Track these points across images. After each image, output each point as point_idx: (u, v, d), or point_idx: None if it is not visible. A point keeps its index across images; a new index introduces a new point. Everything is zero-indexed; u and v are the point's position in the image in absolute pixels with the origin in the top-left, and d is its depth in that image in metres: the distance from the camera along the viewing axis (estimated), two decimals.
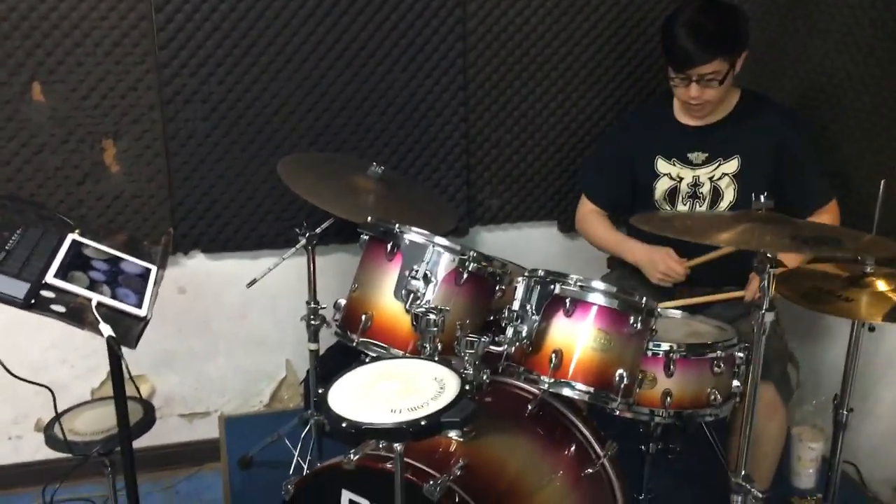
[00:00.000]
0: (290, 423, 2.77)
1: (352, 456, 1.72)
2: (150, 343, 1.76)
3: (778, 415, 2.32)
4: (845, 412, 2.09)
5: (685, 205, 2.56)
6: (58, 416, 1.97)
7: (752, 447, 1.89)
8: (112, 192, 2.73)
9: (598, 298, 1.87)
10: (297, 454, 2.63)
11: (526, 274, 1.96)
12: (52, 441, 2.20)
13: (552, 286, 1.88)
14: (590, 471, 1.98)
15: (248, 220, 2.87)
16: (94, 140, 2.67)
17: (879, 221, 1.93)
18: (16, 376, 1.65)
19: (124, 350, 1.57)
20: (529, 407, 2.05)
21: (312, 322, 2.48)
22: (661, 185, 2.59)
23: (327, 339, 2.63)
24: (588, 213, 2.75)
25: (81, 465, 2.30)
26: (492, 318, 2.15)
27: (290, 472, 2.60)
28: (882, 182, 1.89)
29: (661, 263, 2.45)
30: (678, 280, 2.46)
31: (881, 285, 1.94)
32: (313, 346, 2.52)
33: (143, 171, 2.74)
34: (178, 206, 2.79)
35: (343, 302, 2.13)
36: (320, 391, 1.50)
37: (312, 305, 2.47)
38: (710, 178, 2.53)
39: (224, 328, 3.03)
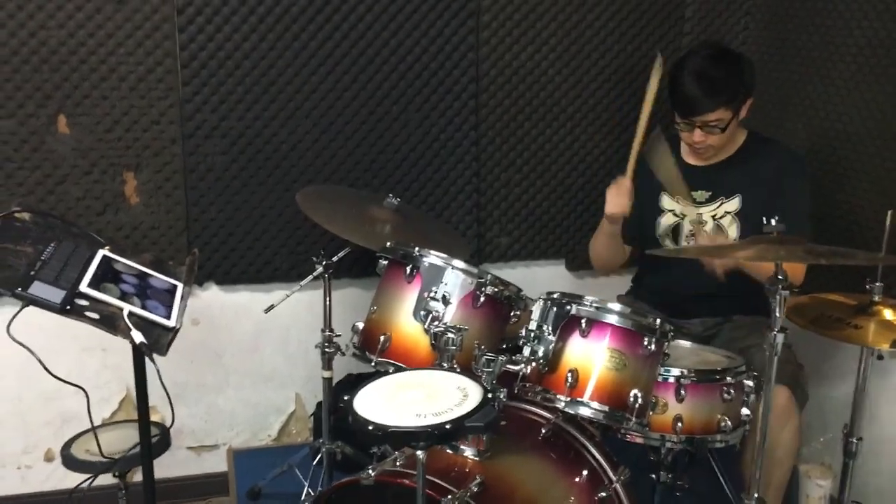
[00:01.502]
0: (300, 453, 2.78)
1: (370, 471, 1.75)
2: (162, 378, 1.79)
3: (791, 421, 2.33)
4: (855, 440, 2.12)
5: (688, 242, 2.62)
6: (83, 434, 2.00)
7: (765, 457, 1.93)
8: (131, 222, 2.79)
9: (613, 319, 1.92)
10: (307, 485, 2.64)
11: (543, 296, 2.01)
12: (68, 461, 2.22)
13: (568, 307, 1.94)
14: (603, 494, 1.99)
15: (262, 252, 2.93)
16: (115, 172, 2.74)
17: (887, 250, 1.98)
18: (55, 376, 1.70)
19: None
20: (543, 431, 2.08)
21: (327, 349, 2.51)
22: (665, 221, 2.65)
23: (336, 374, 2.68)
24: None
25: (93, 494, 2.30)
26: (505, 346, 2.20)
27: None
28: (889, 212, 1.95)
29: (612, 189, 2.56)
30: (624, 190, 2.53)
31: (888, 314, 2.00)
32: (327, 374, 2.55)
33: (162, 203, 2.80)
34: (195, 238, 2.85)
35: (361, 325, 2.18)
36: (346, 398, 1.53)
37: (327, 333, 2.50)
38: (713, 217, 2.59)
39: (235, 361, 3.06)
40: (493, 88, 2.99)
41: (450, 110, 2.95)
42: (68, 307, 1.56)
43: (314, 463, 2.68)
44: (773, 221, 1.83)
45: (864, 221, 2.65)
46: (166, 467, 2.99)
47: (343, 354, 2.41)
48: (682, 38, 3.11)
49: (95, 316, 1.58)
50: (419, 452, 1.49)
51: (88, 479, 2.15)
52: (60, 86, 2.62)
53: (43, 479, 2.92)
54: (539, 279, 3.22)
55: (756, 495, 1.90)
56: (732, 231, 2.58)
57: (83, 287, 1.62)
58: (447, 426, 1.42)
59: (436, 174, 3.00)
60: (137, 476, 2.06)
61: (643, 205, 2.68)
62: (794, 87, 2.92)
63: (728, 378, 2.11)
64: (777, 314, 1.78)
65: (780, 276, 1.75)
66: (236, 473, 3.02)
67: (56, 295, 1.55)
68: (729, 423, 2.10)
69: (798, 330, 2.09)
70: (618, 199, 2.54)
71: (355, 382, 2.16)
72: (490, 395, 1.52)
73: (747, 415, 2.14)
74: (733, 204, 2.58)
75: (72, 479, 2.32)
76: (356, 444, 2.59)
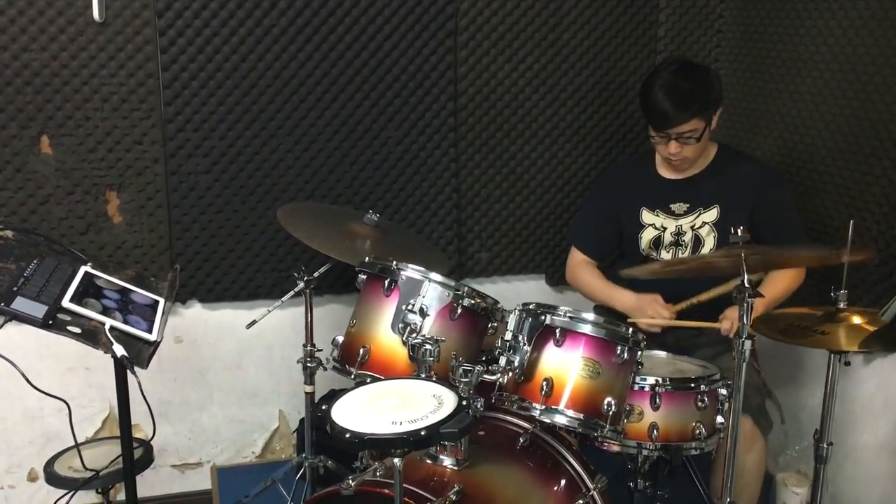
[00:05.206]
0: (283, 469, 2.80)
1: (350, 482, 1.78)
2: (145, 393, 1.82)
3: (757, 446, 2.38)
4: (825, 446, 2.16)
5: (668, 252, 2.67)
6: (66, 451, 2.01)
7: (734, 477, 1.96)
8: (114, 242, 2.81)
9: (587, 328, 1.97)
10: (290, 500, 2.65)
11: (518, 307, 2.05)
12: (51, 478, 2.23)
13: (543, 317, 1.97)
14: (580, 502, 2.03)
15: (245, 270, 2.96)
16: (98, 191, 2.77)
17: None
18: (36, 388, 1.71)
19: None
20: (521, 440, 2.11)
21: (308, 364, 2.54)
22: (647, 235, 2.70)
23: (321, 390, 2.70)
24: (577, 264, 2.83)
25: None
26: (484, 358, 2.23)
27: None
28: (851, 222, 2.00)
29: (648, 308, 2.52)
30: (664, 324, 2.52)
31: (855, 319, 2.04)
32: (309, 389, 2.58)
33: (145, 223, 2.83)
34: (178, 256, 2.87)
35: (341, 339, 2.21)
36: (324, 407, 1.56)
37: (309, 347, 2.53)
38: (692, 227, 2.65)
39: (219, 378, 3.08)
40: (471, 106, 3.04)
41: (429, 128, 3.00)
42: (50, 322, 1.59)
43: (297, 478, 2.70)
44: (738, 231, 1.88)
45: (831, 230, 2.72)
46: (150, 485, 3.00)
47: (325, 369, 2.43)
48: (656, 56, 3.17)
49: (77, 330, 1.61)
50: (396, 459, 1.52)
51: (70, 495, 2.16)
52: (43, 107, 2.65)
53: (26, 500, 2.92)
54: (520, 294, 3.26)
55: (728, 499, 1.93)
56: (710, 241, 2.64)
57: (65, 302, 1.66)
58: (422, 432, 1.45)
59: (416, 191, 3.05)
60: (122, 495, 2.07)
61: (623, 221, 2.73)
62: (763, 102, 2.99)
63: (702, 386, 2.15)
64: (744, 321, 1.83)
65: (746, 284, 1.80)
66: (220, 491, 3.04)
67: (38, 310, 1.58)
68: (703, 430, 2.15)
69: (772, 342, 2.14)
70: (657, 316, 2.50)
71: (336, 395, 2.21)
72: (464, 402, 1.55)
73: (721, 422, 2.19)
74: (711, 214, 2.64)
75: (55, 499, 2.33)
76: (339, 458, 2.61)
